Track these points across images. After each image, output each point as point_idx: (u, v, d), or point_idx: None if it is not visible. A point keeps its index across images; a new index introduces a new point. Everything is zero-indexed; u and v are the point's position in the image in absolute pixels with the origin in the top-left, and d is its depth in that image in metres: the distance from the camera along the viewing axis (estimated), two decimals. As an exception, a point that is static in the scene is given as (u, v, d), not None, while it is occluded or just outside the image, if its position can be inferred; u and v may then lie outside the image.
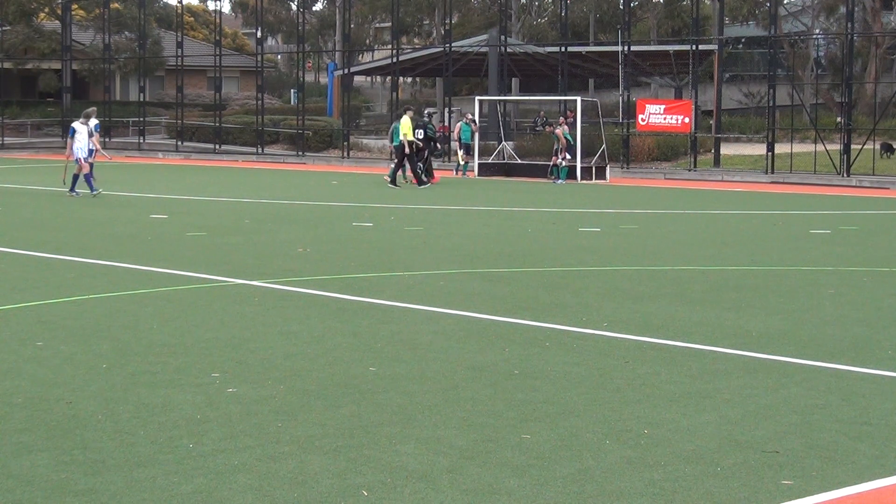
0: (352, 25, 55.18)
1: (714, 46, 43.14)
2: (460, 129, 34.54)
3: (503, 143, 37.38)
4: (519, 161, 36.11)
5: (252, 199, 24.34)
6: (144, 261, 13.93)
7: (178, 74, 48.64)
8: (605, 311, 10.74)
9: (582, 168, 32.65)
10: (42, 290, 11.68)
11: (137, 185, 27.14)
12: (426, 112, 34.13)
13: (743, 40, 64.23)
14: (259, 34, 49.16)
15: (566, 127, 32.66)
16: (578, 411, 7.16)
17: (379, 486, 5.72)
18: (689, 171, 35.64)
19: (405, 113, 29.87)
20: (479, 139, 35.72)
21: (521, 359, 8.61)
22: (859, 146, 33.49)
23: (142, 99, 50.55)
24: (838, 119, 40.43)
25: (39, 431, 6.62)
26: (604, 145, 34.55)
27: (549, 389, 7.69)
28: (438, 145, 32.73)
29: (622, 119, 39.25)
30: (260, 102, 46.63)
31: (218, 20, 52.65)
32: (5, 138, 49.61)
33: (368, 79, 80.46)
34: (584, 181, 32.23)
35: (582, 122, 33.73)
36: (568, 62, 40.46)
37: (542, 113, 54.54)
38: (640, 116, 36.58)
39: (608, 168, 33.79)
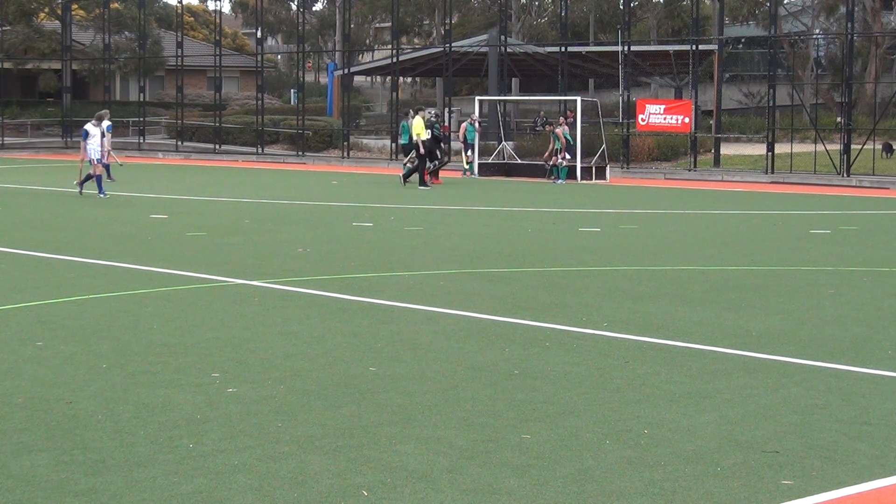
0: (352, 25, 55.19)
1: (714, 46, 43.14)
2: (466, 130, 34.49)
3: (503, 143, 37.38)
4: (519, 161, 36.12)
5: (252, 199, 24.34)
6: (144, 261, 13.93)
7: (178, 74, 48.64)
8: (605, 311, 10.74)
9: (582, 168, 32.65)
10: (42, 290, 11.68)
11: (137, 185, 27.13)
12: (433, 112, 34.08)
13: (743, 40, 64.24)
14: (259, 34, 49.16)
15: (566, 127, 32.66)
16: (578, 411, 7.16)
17: (379, 486, 5.72)
18: (689, 171, 35.64)
19: (417, 113, 29.87)
20: (479, 139, 35.69)
21: (521, 359, 8.61)
22: (859, 146, 33.48)
23: (142, 99, 50.54)
24: (838, 119, 40.44)
25: (39, 431, 6.62)
26: (604, 145, 34.55)
27: (549, 389, 7.69)
28: (443, 145, 32.71)
29: (622, 119, 39.25)
30: (260, 102, 46.63)
31: (218, 20, 52.64)
32: (5, 138, 49.61)
33: (368, 79, 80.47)
34: (584, 181, 32.23)
35: (582, 122, 33.72)
36: (568, 62, 40.46)
37: (542, 113, 54.54)
38: (640, 116, 36.58)
39: (608, 168, 33.79)
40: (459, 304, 10.97)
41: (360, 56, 77.69)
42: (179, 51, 47.45)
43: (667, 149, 38.33)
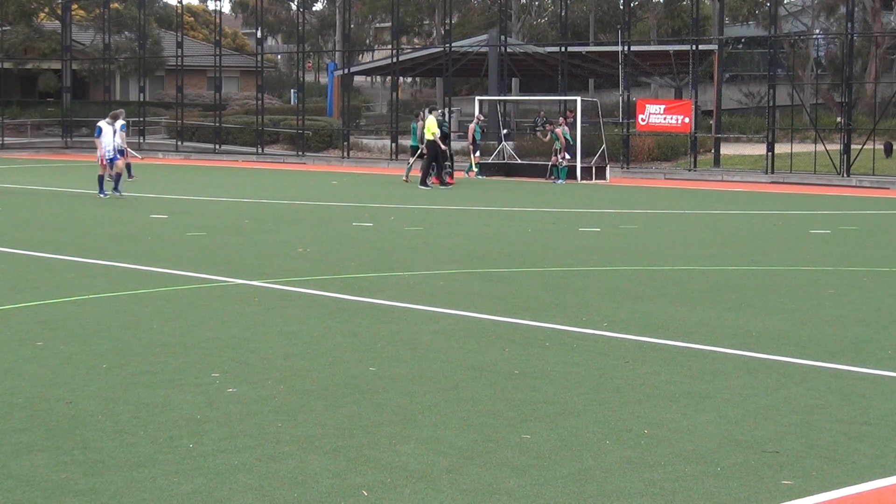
0: (352, 25, 55.19)
1: (714, 46, 43.13)
2: (474, 131, 34.45)
3: (503, 143, 37.38)
4: (519, 161, 36.11)
5: (252, 199, 24.33)
6: (144, 261, 13.93)
7: (178, 74, 48.64)
8: (605, 311, 10.74)
9: (582, 168, 32.65)
10: (42, 290, 11.68)
11: (137, 185, 27.11)
12: (440, 112, 34.09)
13: (743, 40, 64.23)
14: (259, 34, 49.16)
15: (566, 127, 32.66)
16: (578, 411, 7.16)
17: (379, 486, 5.72)
18: (689, 171, 35.64)
19: (430, 113, 29.88)
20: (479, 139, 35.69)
21: (521, 359, 8.61)
22: (859, 146, 33.48)
23: (142, 99, 50.54)
24: (838, 119, 40.43)
25: (39, 431, 6.62)
26: (604, 145, 34.55)
27: (549, 389, 7.69)
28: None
29: (622, 119, 39.24)
30: (260, 102, 46.63)
31: (218, 20, 52.64)
32: (5, 138, 49.60)
33: (368, 79, 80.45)
34: (584, 181, 32.23)
35: (582, 122, 33.72)
36: (568, 62, 40.46)
37: (542, 113, 54.52)
38: (640, 116, 36.58)
39: (608, 168, 33.79)
40: (459, 304, 10.98)
41: (360, 56, 77.69)
42: (179, 51, 47.45)
43: (667, 149, 38.32)
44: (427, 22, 78.46)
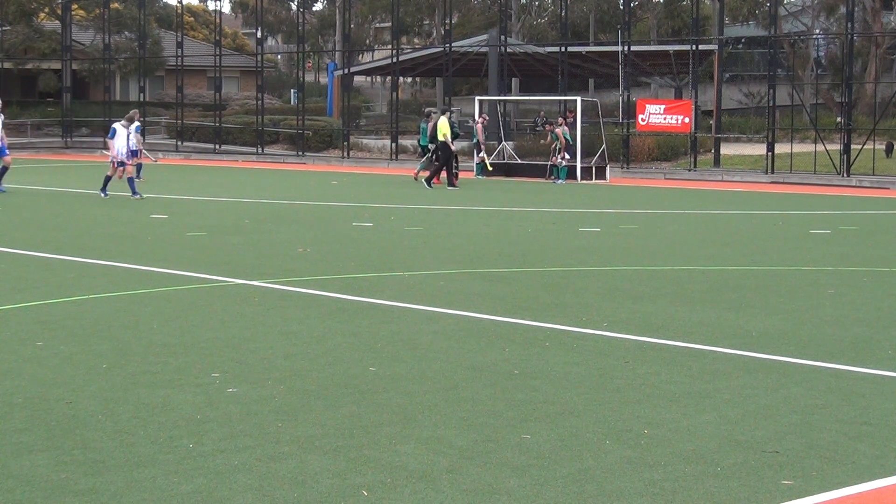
0: (352, 25, 55.18)
1: (714, 46, 43.13)
2: (482, 133, 34.41)
3: (503, 142, 37.37)
4: (519, 161, 36.11)
5: (252, 199, 24.34)
6: (144, 261, 13.93)
7: (178, 74, 48.64)
8: (605, 311, 10.74)
9: (582, 168, 32.66)
10: (42, 290, 11.68)
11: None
12: (435, 111, 34.13)
13: (743, 40, 64.24)
14: (259, 34, 49.16)
15: (566, 127, 32.65)
16: (578, 411, 7.16)
17: (379, 486, 5.72)
18: (689, 171, 35.64)
19: (443, 113, 29.97)
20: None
21: (521, 359, 8.61)
22: (859, 146, 33.48)
23: (142, 99, 50.53)
24: (838, 119, 40.44)
25: (39, 431, 6.62)
26: (604, 145, 34.55)
27: (549, 389, 7.69)
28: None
29: (622, 119, 39.24)
30: (260, 102, 46.63)
31: (218, 20, 52.64)
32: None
33: (368, 79, 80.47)
34: (584, 181, 32.23)
35: (582, 122, 33.72)
36: (568, 62, 40.46)
37: (542, 113, 54.53)
38: (640, 116, 36.58)
39: (608, 168, 33.79)
40: (459, 304, 10.98)
41: (360, 56, 77.69)
42: (179, 51, 47.45)
43: (667, 149, 38.32)
44: (427, 22, 78.47)
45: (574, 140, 32.51)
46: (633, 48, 43.91)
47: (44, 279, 12.45)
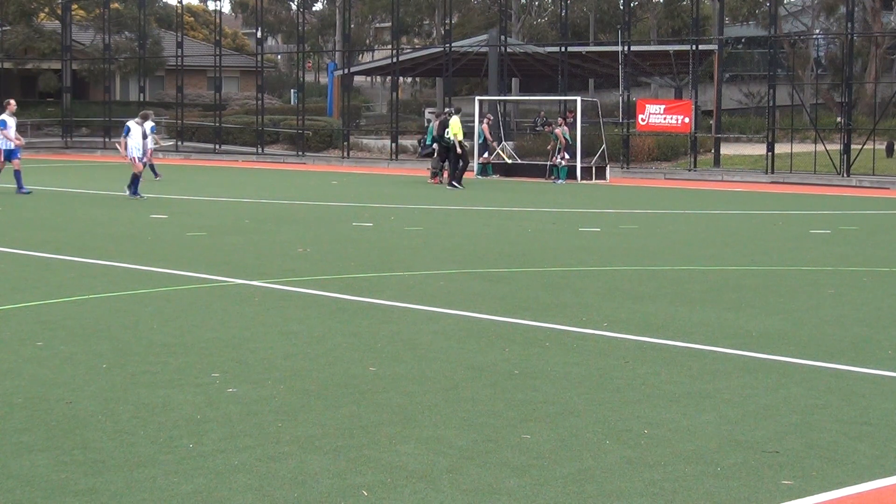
0: (352, 25, 55.18)
1: (714, 46, 43.12)
2: (488, 131, 34.40)
3: (503, 142, 37.37)
4: (519, 161, 36.11)
5: (252, 199, 24.33)
6: (144, 261, 13.93)
7: (178, 74, 48.65)
8: (605, 311, 10.74)
9: (582, 168, 32.65)
10: (42, 290, 11.68)
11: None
12: (446, 111, 34.18)
13: (743, 40, 64.22)
14: (259, 34, 49.15)
15: (566, 127, 32.65)
16: (578, 411, 7.16)
17: (379, 486, 5.72)
18: (689, 171, 35.64)
19: (455, 114, 30.21)
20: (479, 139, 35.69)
21: (521, 359, 8.61)
22: (859, 146, 33.48)
23: (142, 99, 50.53)
24: (838, 119, 40.43)
25: (39, 431, 6.62)
26: (604, 145, 34.54)
27: (549, 389, 7.69)
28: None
29: (622, 119, 39.23)
30: (260, 102, 46.63)
31: (218, 20, 52.64)
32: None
33: (368, 79, 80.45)
34: (584, 181, 32.23)
35: (582, 122, 33.71)
36: (568, 62, 40.45)
37: (542, 113, 54.53)
38: (640, 116, 36.58)
39: (608, 168, 33.79)
40: (459, 304, 10.98)
41: (360, 56, 77.67)
42: (179, 51, 47.45)
43: (667, 149, 38.32)
44: (427, 22, 78.45)
45: (574, 140, 32.51)
46: (633, 48, 43.91)
47: (44, 279, 12.45)
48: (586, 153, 33.90)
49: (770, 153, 34.46)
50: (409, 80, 76.54)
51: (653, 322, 10.14)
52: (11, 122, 24.78)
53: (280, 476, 5.85)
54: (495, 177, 33.42)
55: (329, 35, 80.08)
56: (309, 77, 78.20)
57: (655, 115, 36.31)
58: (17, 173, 24.57)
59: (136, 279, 12.53)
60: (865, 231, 19.11)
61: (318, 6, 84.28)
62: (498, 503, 5.53)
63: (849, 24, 34.54)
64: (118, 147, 23.61)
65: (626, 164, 36.94)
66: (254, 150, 45.58)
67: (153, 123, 25.25)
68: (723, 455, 6.27)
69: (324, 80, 74.35)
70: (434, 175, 30.42)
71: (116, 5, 54.69)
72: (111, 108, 51.12)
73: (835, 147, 34.32)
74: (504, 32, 44.52)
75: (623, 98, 39.65)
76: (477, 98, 37.96)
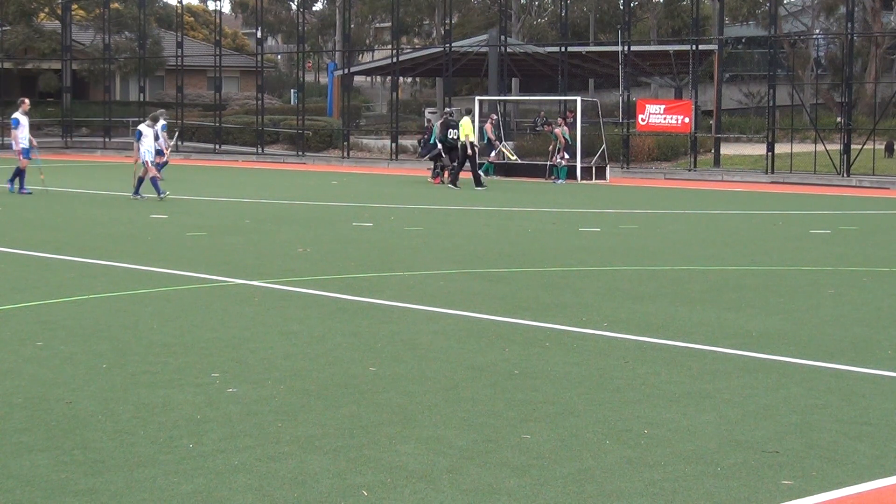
0: (352, 25, 55.18)
1: (714, 46, 43.14)
2: (491, 131, 34.42)
3: (503, 142, 37.37)
4: (519, 161, 36.10)
5: (252, 199, 24.33)
6: (144, 261, 13.93)
7: (178, 74, 48.65)
8: (605, 311, 10.74)
9: (582, 168, 32.65)
10: (42, 290, 11.68)
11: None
12: (449, 111, 34.21)
13: (743, 40, 64.23)
14: (259, 34, 49.15)
15: (566, 128, 32.65)
16: (578, 411, 7.16)
17: (379, 486, 5.72)
18: (689, 171, 35.64)
19: (467, 114, 30.36)
20: (479, 139, 35.68)
21: (521, 359, 8.61)
22: (859, 146, 33.49)
23: (142, 99, 50.54)
24: (838, 119, 40.44)
25: (39, 431, 6.62)
26: (604, 145, 34.55)
27: (549, 389, 7.69)
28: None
29: (622, 119, 39.24)
30: (260, 102, 46.63)
31: (218, 20, 52.64)
32: (5, 138, 49.57)
33: (368, 79, 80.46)
34: (584, 181, 32.23)
35: (582, 122, 33.71)
36: (568, 62, 40.45)
37: (542, 113, 54.56)
38: (640, 116, 36.58)
39: (608, 168, 33.79)
40: (459, 304, 10.98)
41: (360, 56, 77.66)
42: (179, 51, 47.45)
43: (667, 149, 38.32)
44: (427, 22, 78.44)
45: (574, 140, 32.51)
46: (633, 48, 43.91)
47: (44, 279, 12.45)
48: (586, 153, 33.90)
49: (770, 153, 34.47)
50: (409, 80, 76.55)
51: (653, 322, 10.14)
52: (24, 120, 24.87)
53: (280, 476, 5.85)
54: (496, 177, 33.45)
55: (329, 35, 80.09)
56: (309, 77, 78.22)
57: (655, 115, 36.31)
58: (21, 172, 24.64)
59: (136, 279, 12.53)
60: (865, 231, 19.11)
61: (318, 6, 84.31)
62: (498, 503, 5.53)
63: (849, 24, 34.54)
64: (136, 151, 23.65)
65: (626, 164, 36.94)
66: (254, 150, 45.59)
67: (164, 123, 25.21)
68: (723, 455, 6.27)
69: (324, 80, 74.35)
70: (435, 175, 30.42)
71: (116, 5, 54.69)
72: (111, 108, 51.13)
73: (835, 147, 34.32)
74: (504, 32, 44.53)
75: (623, 98, 39.66)
76: (477, 98, 37.98)
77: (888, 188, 30.99)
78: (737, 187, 31.04)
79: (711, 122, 41.12)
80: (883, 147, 37.84)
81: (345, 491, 5.65)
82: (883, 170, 33.52)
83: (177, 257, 14.40)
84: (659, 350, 9.00)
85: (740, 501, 5.57)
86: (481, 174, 29.92)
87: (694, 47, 38.55)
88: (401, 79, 57.13)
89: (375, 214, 20.80)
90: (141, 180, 23.54)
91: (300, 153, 44.06)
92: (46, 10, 55.94)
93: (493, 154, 34.52)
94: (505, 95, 46.64)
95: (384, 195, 25.94)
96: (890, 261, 14.77)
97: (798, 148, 35.94)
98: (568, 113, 37.40)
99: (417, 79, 76.33)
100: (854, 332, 9.77)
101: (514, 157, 33.36)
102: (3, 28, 53.07)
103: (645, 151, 38.07)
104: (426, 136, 34.58)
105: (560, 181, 31.54)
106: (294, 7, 75.96)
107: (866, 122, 41.52)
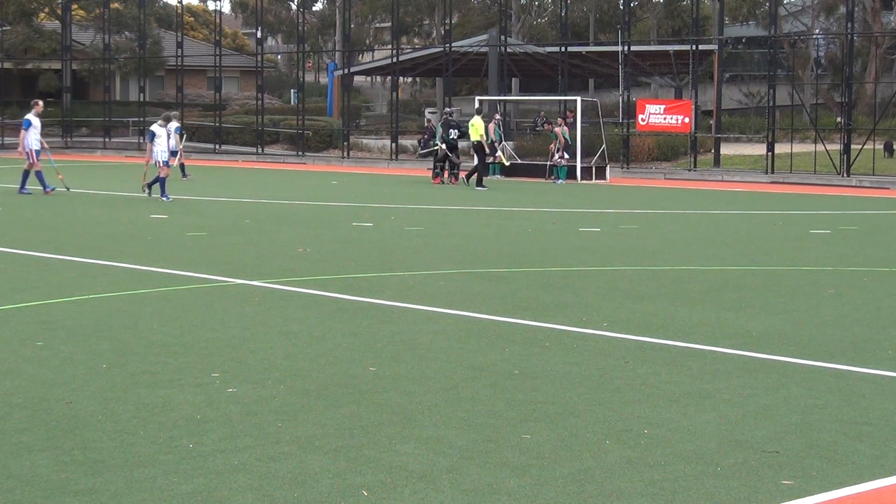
0: (352, 25, 55.18)
1: (714, 46, 43.14)
2: (493, 130, 34.41)
3: (503, 142, 37.35)
4: (519, 161, 36.10)
5: (252, 199, 24.34)
6: (144, 261, 13.93)
7: (178, 74, 48.66)
8: (605, 311, 10.74)
9: (582, 168, 32.66)
10: (42, 290, 11.68)
11: (138, 185, 27.08)
12: (449, 111, 34.21)
13: (743, 40, 64.23)
14: (259, 34, 49.16)
15: (566, 128, 32.65)
16: (578, 411, 7.16)
17: (379, 486, 5.71)
18: (689, 171, 35.64)
19: (478, 114, 30.48)
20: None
21: (521, 359, 8.61)
22: (859, 146, 33.49)
23: (142, 99, 50.55)
24: (838, 119, 40.44)
25: (39, 431, 6.62)
26: (604, 145, 34.55)
27: (549, 389, 7.69)
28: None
29: (622, 119, 39.25)
30: (260, 102, 46.64)
31: (218, 20, 52.65)
32: (5, 138, 49.58)
33: (368, 79, 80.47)
34: (584, 181, 32.23)
35: (582, 122, 33.71)
36: (568, 62, 40.46)
37: (542, 113, 54.55)
38: (640, 116, 36.58)
39: (608, 168, 33.79)
40: (459, 304, 10.97)
41: (360, 56, 77.66)
42: (179, 51, 47.45)
43: (667, 149, 38.33)
44: (427, 22, 78.45)
45: (574, 140, 32.50)
46: (633, 48, 43.91)
47: (44, 279, 12.45)
48: (586, 153, 33.90)
49: (770, 153, 34.47)
50: (409, 80, 76.55)
51: (653, 322, 10.14)
52: (36, 122, 25.01)
53: (280, 476, 5.85)
54: (496, 176, 33.45)
55: (329, 35, 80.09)
56: (309, 77, 78.22)
57: (655, 115, 36.31)
58: (25, 173, 24.75)
59: (136, 279, 12.53)
60: (865, 231, 19.11)
61: (318, 6, 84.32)
62: (498, 503, 5.53)
63: (849, 24, 34.54)
64: (149, 152, 23.69)
65: (626, 164, 36.94)
66: (254, 150, 45.59)
67: (178, 124, 25.21)
68: (723, 455, 6.27)
69: (324, 80, 74.36)
70: (435, 175, 30.43)
71: (116, 5, 54.69)
72: (111, 108, 51.13)
73: (835, 147, 34.32)
74: (504, 32, 44.53)
75: (623, 98, 39.66)
76: (477, 98, 37.97)
77: (888, 188, 31.00)
78: (737, 187, 31.04)
79: (711, 122, 41.12)
80: (882, 147, 37.83)
81: (345, 491, 5.65)
82: (883, 170, 33.52)
83: (177, 257, 14.40)
84: (659, 350, 9.00)
85: (740, 501, 5.57)
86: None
87: (694, 47, 38.55)
88: (401, 79, 57.13)
89: (375, 214, 20.80)
90: (163, 181, 23.33)
91: (300, 153, 44.06)
92: (46, 10, 55.96)
93: (498, 153, 34.49)
94: (505, 95, 46.63)
95: (384, 195, 25.94)
96: (890, 261, 14.77)
97: (798, 148, 35.94)
98: (568, 113, 37.41)
99: (417, 79, 76.34)
100: (854, 332, 9.77)
101: (507, 162, 33.31)
102: (3, 28, 53.08)
103: (645, 151, 38.08)
104: (426, 136, 34.58)
105: (560, 181, 31.54)
106: (294, 7, 75.95)
107: (866, 122, 41.52)
